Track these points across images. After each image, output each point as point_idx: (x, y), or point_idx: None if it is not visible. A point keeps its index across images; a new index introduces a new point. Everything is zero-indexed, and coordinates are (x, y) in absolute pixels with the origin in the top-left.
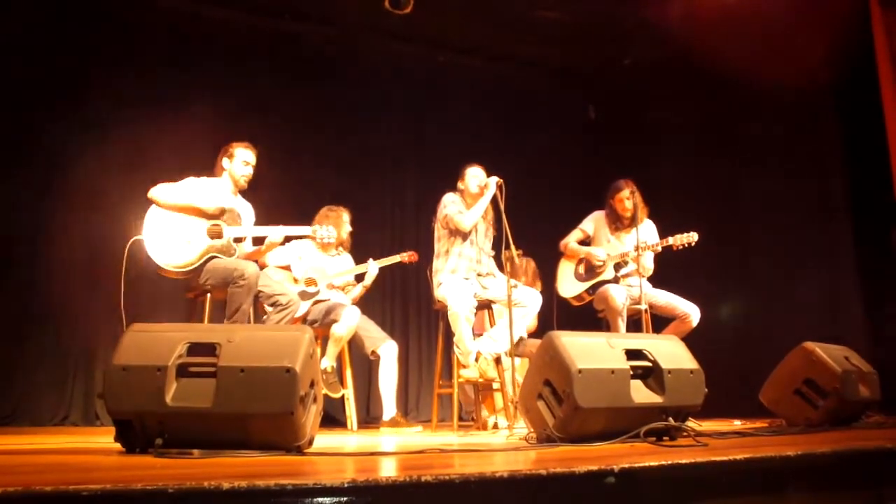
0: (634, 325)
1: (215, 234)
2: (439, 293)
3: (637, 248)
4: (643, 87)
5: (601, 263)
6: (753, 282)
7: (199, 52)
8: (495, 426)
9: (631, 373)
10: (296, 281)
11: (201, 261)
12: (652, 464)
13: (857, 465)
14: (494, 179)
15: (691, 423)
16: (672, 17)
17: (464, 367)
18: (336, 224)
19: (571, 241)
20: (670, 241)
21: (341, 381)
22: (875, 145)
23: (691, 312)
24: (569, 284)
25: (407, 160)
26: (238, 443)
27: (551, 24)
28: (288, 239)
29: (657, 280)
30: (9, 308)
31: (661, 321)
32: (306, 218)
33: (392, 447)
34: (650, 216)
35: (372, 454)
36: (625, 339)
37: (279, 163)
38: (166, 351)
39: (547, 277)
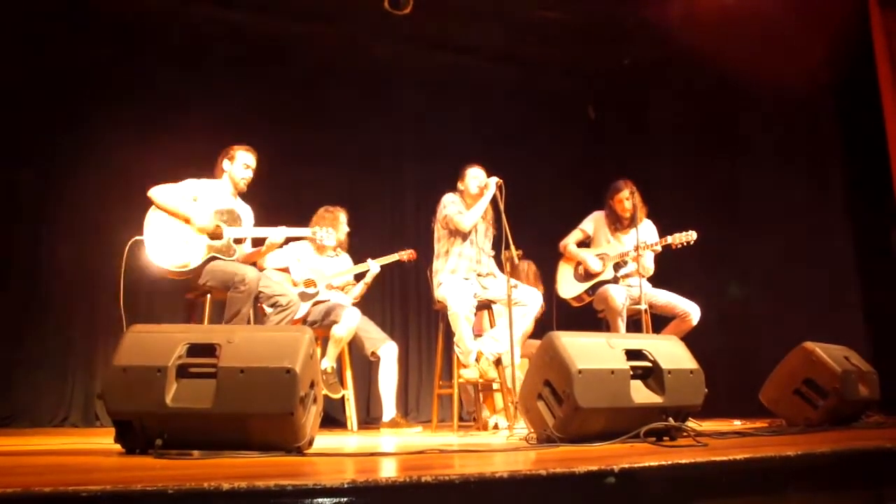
0: (634, 325)
1: (215, 235)
2: (439, 293)
3: (637, 249)
4: (643, 87)
5: (595, 273)
6: (753, 281)
7: (199, 53)
8: (496, 427)
9: (631, 373)
10: (295, 283)
11: (201, 261)
12: (652, 464)
13: (856, 464)
14: (494, 180)
15: (691, 424)
16: (672, 17)
17: (464, 367)
18: (333, 225)
19: (571, 242)
20: (669, 240)
21: (341, 382)
22: (875, 145)
23: (691, 311)
24: (568, 285)
25: (407, 160)
26: (238, 443)
27: (551, 24)
28: (287, 241)
29: (657, 280)
30: (9, 308)
31: (661, 321)
32: (306, 219)
33: (392, 448)
34: (649, 216)
35: (372, 455)
36: (625, 340)
37: (279, 163)
38: (166, 352)
39: (547, 277)
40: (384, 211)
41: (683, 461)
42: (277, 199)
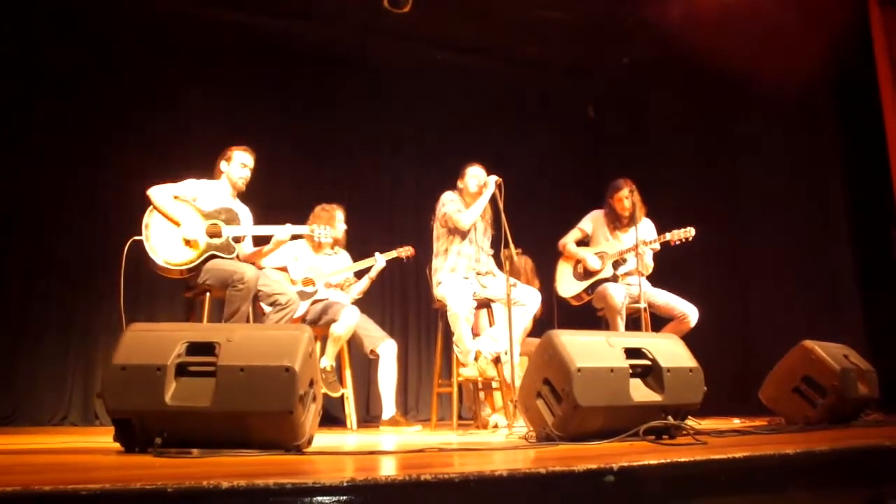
0: (634, 323)
1: (214, 234)
2: (438, 292)
3: (636, 248)
4: (643, 86)
5: (595, 271)
6: (753, 281)
7: (199, 52)
8: (495, 425)
9: (630, 371)
10: (293, 282)
11: (200, 259)
12: (651, 462)
13: (855, 463)
14: (493, 178)
15: (690, 422)
16: (672, 16)
17: (463, 365)
18: (329, 222)
19: (570, 241)
20: (668, 236)
21: (341, 381)
22: (874, 145)
23: (689, 313)
24: (568, 284)
25: (406, 159)
26: (237, 442)
27: (551, 23)
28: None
29: (656, 279)
30: (9, 308)
31: (659, 321)
32: (305, 217)
33: (391, 446)
34: (649, 215)
35: (371, 453)
36: (624, 338)
37: (277, 161)
38: (166, 350)
39: (546, 276)
40: (383, 210)
41: (683, 459)
42: (275, 198)
